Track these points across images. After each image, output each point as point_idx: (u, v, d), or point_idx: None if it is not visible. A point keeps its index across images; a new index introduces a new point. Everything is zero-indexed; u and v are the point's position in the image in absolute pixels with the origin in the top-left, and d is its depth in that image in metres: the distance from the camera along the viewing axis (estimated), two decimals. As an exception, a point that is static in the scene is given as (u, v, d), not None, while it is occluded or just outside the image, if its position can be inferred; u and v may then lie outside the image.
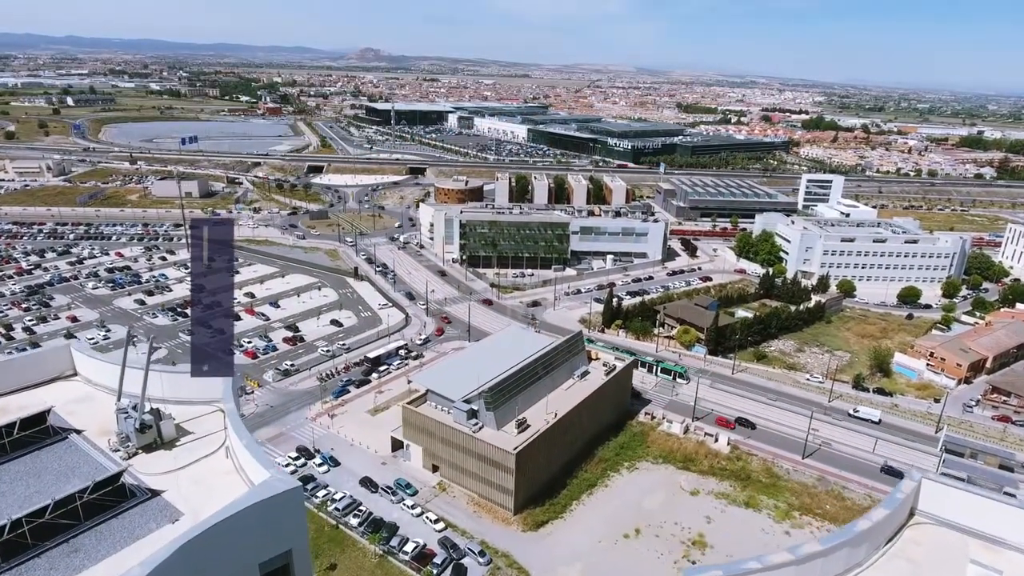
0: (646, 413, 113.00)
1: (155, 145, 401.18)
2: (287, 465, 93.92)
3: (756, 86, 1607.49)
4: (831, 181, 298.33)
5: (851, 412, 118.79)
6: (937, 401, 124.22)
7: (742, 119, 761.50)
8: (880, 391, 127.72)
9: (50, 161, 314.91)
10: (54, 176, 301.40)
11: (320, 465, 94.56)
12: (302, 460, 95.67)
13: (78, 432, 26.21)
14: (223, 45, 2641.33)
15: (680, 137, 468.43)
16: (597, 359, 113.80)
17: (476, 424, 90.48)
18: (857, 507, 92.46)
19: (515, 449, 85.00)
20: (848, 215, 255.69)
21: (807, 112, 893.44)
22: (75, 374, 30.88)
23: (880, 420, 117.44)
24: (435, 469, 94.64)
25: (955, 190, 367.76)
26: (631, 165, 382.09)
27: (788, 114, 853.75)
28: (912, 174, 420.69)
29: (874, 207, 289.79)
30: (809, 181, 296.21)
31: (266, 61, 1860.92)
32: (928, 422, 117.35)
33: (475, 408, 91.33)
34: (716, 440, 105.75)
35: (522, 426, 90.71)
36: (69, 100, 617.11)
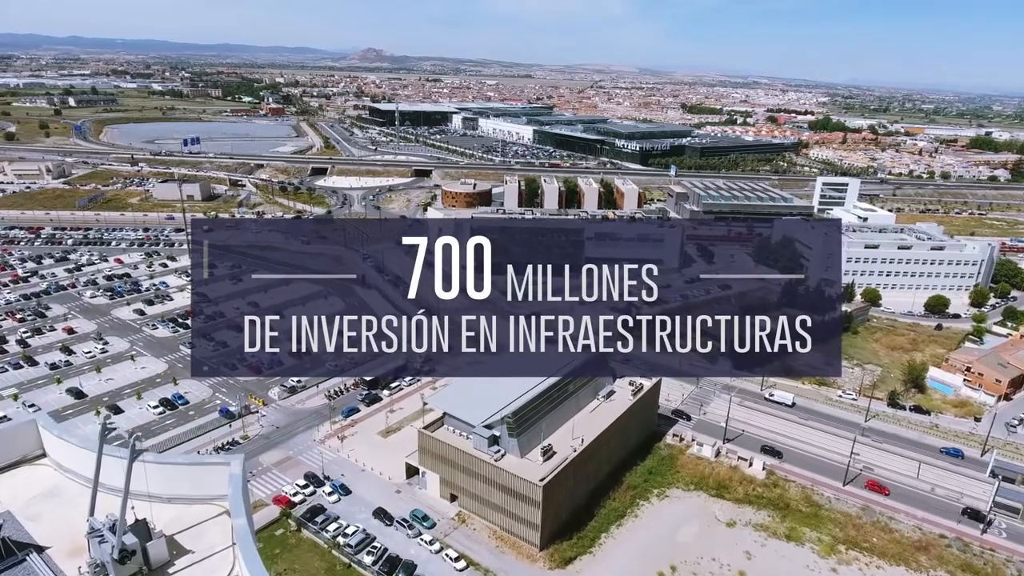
0: (674, 435, 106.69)
1: (157, 146, 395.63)
2: (295, 494, 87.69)
3: (759, 86, 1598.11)
4: (847, 184, 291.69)
5: (767, 396, 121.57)
6: (978, 420, 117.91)
7: (748, 120, 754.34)
8: (917, 409, 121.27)
9: (50, 163, 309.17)
10: (53, 178, 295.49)
11: (330, 494, 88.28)
12: (311, 488, 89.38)
13: (40, 550, 20.02)
14: (225, 45, 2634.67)
15: (688, 138, 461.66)
16: (622, 377, 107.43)
17: (498, 451, 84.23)
18: (907, 540, 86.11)
19: (542, 480, 78.76)
20: (866, 219, 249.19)
21: (812, 113, 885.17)
22: (43, 455, 24.71)
23: (794, 403, 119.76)
24: (453, 498, 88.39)
25: (971, 193, 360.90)
26: (640, 167, 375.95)
27: (793, 115, 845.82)
28: (925, 176, 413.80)
29: (890, 211, 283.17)
30: (824, 184, 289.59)
31: (268, 61, 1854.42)
32: (971, 443, 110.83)
33: (496, 434, 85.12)
34: (750, 465, 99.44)
35: (547, 453, 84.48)
36: (71, 100, 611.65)
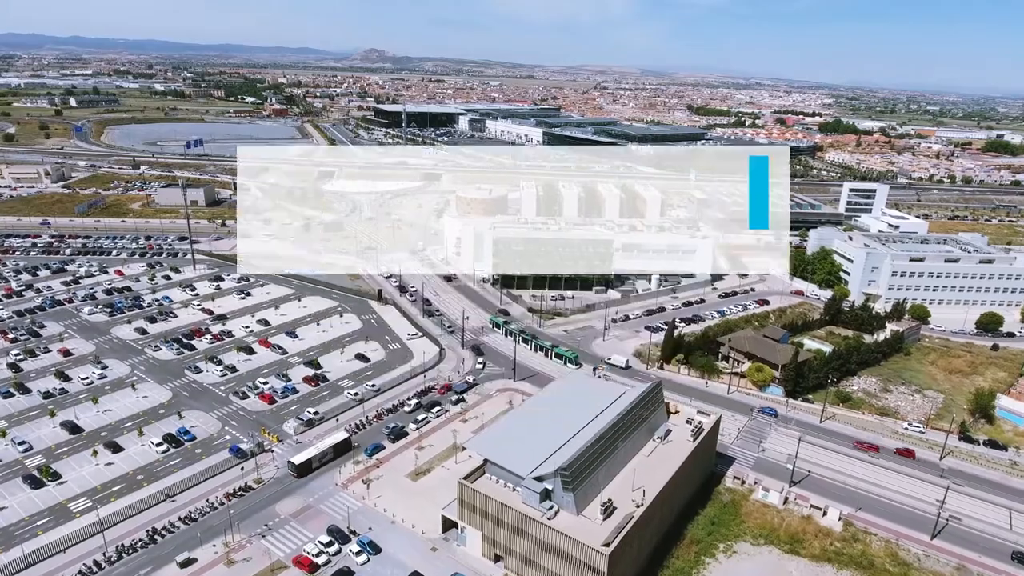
0: (735, 477, 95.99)
1: (159, 148, 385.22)
2: (318, 554, 76.93)
3: (762, 87, 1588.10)
4: (875, 190, 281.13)
5: (606, 360, 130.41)
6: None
7: (756, 122, 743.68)
8: (993, 444, 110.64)
9: (48, 166, 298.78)
10: (52, 182, 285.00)
11: (358, 553, 77.55)
12: (335, 546, 78.63)
13: None
14: (228, 46, 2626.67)
15: (702, 141, 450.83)
16: (676, 413, 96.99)
17: (551, 508, 73.70)
18: (1015, 609, 75.51)
19: (606, 546, 68.10)
20: (897, 227, 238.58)
21: (819, 114, 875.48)
22: None
23: (628, 365, 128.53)
24: (498, 559, 77.80)
25: (996, 198, 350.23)
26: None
27: (801, 116, 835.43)
28: (946, 181, 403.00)
29: (917, 217, 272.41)
30: (851, 190, 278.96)
31: (271, 62, 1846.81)
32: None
33: (549, 487, 74.55)
34: (824, 514, 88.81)
35: (608, 510, 73.84)
36: (72, 101, 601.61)
